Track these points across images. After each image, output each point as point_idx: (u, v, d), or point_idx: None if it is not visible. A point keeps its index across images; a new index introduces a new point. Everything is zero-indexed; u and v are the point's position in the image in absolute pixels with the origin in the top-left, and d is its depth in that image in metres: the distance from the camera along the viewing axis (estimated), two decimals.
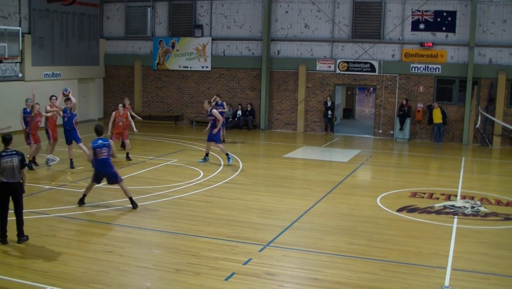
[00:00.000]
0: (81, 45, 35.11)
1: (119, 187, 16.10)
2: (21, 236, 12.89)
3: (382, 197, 17.80)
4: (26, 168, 13.18)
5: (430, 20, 30.32)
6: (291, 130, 33.28)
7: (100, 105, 37.43)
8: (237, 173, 21.18)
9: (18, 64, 29.83)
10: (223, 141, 27.21)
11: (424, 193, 18.44)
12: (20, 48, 26.63)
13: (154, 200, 17.00)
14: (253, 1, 33.52)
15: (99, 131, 16.09)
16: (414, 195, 18.22)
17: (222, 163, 22.77)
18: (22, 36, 27.48)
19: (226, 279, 11.02)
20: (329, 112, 32.17)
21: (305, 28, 32.76)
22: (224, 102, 28.24)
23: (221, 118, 22.29)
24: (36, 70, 31.55)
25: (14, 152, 12.88)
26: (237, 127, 33.10)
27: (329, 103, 32.05)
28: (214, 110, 22.34)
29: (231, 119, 33.24)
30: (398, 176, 22.47)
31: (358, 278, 11.26)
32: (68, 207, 15.96)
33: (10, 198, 12.81)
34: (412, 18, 30.65)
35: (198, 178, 20.02)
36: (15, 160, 12.73)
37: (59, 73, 33.21)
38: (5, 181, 12.68)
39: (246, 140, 28.92)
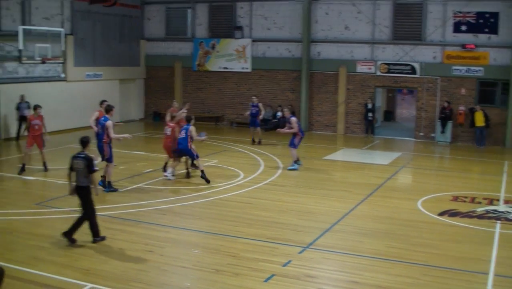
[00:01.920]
0: (122, 46, 35.45)
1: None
2: (69, 234, 12.97)
3: (423, 201, 17.62)
4: (94, 173, 13.16)
5: (472, 21, 29.94)
6: (331, 132, 33.15)
7: (141, 106, 37.74)
8: (277, 174, 21.18)
9: (60, 65, 30.17)
10: (259, 142, 27.42)
11: (466, 197, 18.22)
12: (63, 49, 26.96)
13: (194, 201, 17.09)
14: (293, 2, 33.48)
15: (188, 119, 19.89)
16: (455, 199, 18.02)
17: (263, 164, 22.79)
18: (65, 37, 27.80)
19: (266, 281, 11.02)
20: (370, 114, 31.98)
21: (345, 30, 32.61)
22: (259, 104, 28.59)
23: (295, 127, 22.05)
24: (78, 71, 31.95)
25: (83, 155, 13.01)
26: (277, 128, 33.03)
27: (369, 105, 31.87)
28: (293, 118, 22.29)
29: (271, 119, 33.23)
30: (439, 179, 22.21)
31: (397, 282, 11.17)
32: (110, 206, 16.12)
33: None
34: (453, 19, 30.30)
35: (238, 179, 20.06)
36: (81, 163, 12.89)
37: (101, 74, 33.57)
38: (73, 183, 13.08)
39: (286, 141, 28.78)
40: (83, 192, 13.00)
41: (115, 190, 17.85)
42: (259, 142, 27.95)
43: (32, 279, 10.86)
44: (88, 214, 13.05)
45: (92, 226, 13.13)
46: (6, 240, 13.21)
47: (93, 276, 11.09)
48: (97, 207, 15.75)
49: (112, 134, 17.56)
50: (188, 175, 20.54)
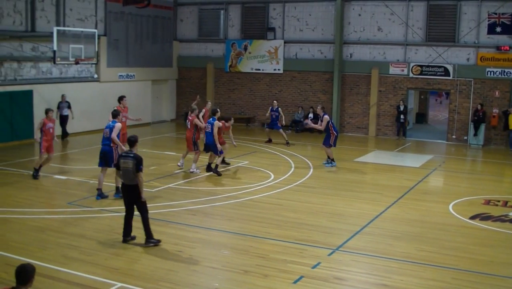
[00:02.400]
0: (155, 47, 35.65)
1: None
2: (148, 238, 13.06)
3: (455, 204, 17.45)
4: (141, 172, 12.99)
5: (507, 23, 29.48)
6: (363, 134, 33.00)
7: (173, 107, 37.93)
8: (308, 176, 21.13)
9: (93, 65, 30.52)
10: (287, 143, 27.84)
11: (498, 201, 18.00)
12: (96, 50, 27.21)
13: (224, 201, 17.12)
14: (325, 4, 33.41)
15: (214, 111, 20.91)
16: (487, 202, 17.81)
17: (293, 166, 22.78)
18: (98, 38, 28.06)
19: (295, 282, 11.01)
20: (402, 116, 31.77)
21: (378, 31, 32.44)
22: (279, 108, 29.30)
23: (324, 126, 22.84)
24: (111, 72, 32.21)
25: (132, 155, 13.04)
26: (308, 130, 33.02)
27: (401, 108, 31.65)
28: (325, 116, 22.82)
29: (302, 121, 33.20)
30: (472, 182, 21.97)
31: (427, 286, 11.09)
32: None
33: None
34: (488, 21, 29.89)
35: (268, 180, 20.06)
36: (130, 163, 12.94)
37: (133, 75, 33.82)
38: (122, 182, 13.19)
39: (316, 143, 28.77)
40: (133, 191, 13.04)
41: (106, 197, 17.13)
42: (287, 144, 28.05)
43: (63, 278, 10.98)
44: (144, 211, 13.10)
45: (128, 224, 13.22)
46: (38, 238, 13.37)
47: (122, 275, 11.17)
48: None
49: (114, 136, 16.86)
50: (209, 169, 21.09)
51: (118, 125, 17.07)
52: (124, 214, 13.28)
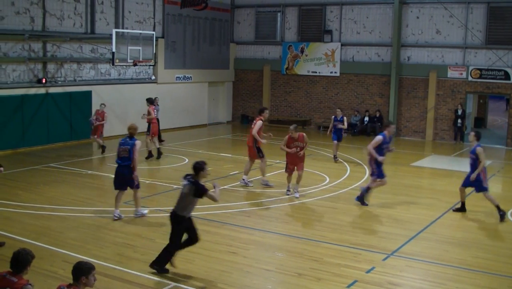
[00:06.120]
0: (212, 49, 35.89)
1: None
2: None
3: None
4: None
5: None
6: (420, 139, 32.61)
7: (229, 109, 38.11)
8: (363, 179, 20.97)
9: (151, 67, 30.93)
10: (335, 158, 24.61)
11: None
12: (154, 51, 27.51)
13: (279, 204, 17.15)
14: (383, 6, 33.15)
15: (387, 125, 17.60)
16: None
17: (349, 169, 22.64)
18: (156, 40, 28.39)
19: (348, 287, 10.96)
20: (459, 121, 31.30)
21: (436, 34, 32.02)
22: (344, 117, 24.48)
23: (483, 161, 16.42)
24: (168, 73, 32.57)
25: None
26: (364, 134, 32.79)
27: (459, 112, 31.19)
28: (479, 148, 16.50)
29: (358, 124, 33.09)
30: None
31: None
32: (195, 207, 16.28)
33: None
34: None
35: (324, 184, 20.01)
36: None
37: (190, 77, 34.11)
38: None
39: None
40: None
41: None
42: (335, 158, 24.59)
43: (118, 276, 11.15)
44: None
45: None
46: (95, 236, 13.61)
47: (176, 275, 11.28)
48: None
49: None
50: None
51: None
52: None
